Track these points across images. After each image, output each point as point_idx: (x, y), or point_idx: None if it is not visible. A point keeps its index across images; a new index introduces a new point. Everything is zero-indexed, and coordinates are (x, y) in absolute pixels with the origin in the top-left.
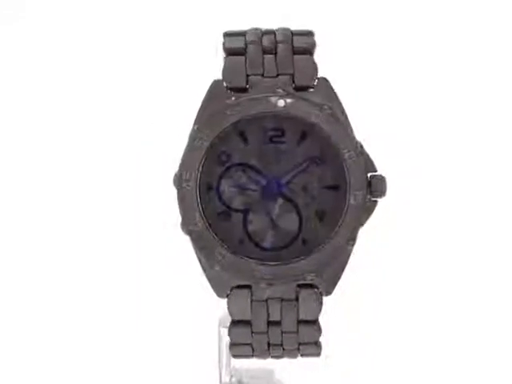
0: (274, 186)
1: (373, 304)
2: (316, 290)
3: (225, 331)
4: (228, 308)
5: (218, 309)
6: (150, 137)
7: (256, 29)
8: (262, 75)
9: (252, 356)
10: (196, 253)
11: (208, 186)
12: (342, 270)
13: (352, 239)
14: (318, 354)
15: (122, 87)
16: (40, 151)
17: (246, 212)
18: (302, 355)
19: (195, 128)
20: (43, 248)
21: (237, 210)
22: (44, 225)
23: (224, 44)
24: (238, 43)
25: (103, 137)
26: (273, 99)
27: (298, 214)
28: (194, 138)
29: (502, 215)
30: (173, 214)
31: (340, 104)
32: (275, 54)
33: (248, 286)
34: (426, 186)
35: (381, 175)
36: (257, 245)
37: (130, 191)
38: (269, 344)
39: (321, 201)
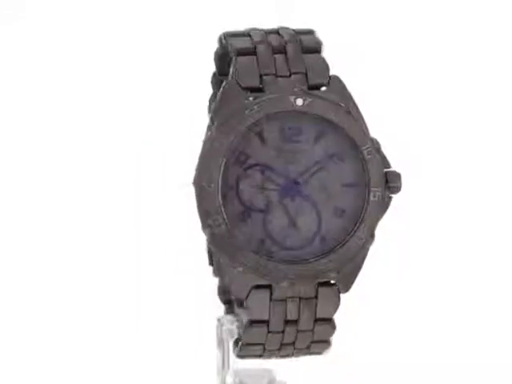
0: (293, 185)
1: (375, 303)
2: (335, 287)
3: (228, 332)
4: (246, 308)
5: (219, 309)
6: (150, 137)
7: (256, 29)
8: (275, 75)
9: (260, 356)
10: (216, 254)
11: (227, 187)
12: (360, 267)
13: (371, 236)
14: (326, 352)
15: (123, 87)
16: (41, 151)
17: (265, 212)
18: (310, 353)
19: (213, 129)
20: (47, 249)
21: (256, 210)
22: (46, 226)
23: (231, 44)
24: (246, 43)
25: (103, 137)
26: (291, 98)
27: (317, 212)
28: (212, 138)
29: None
30: (170, 215)
31: (354, 102)
32: (285, 53)
33: (268, 286)
34: (435, 181)
35: (395, 171)
36: (277, 244)
37: (130, 193)
38: (281, 343)
39: (339, 199)
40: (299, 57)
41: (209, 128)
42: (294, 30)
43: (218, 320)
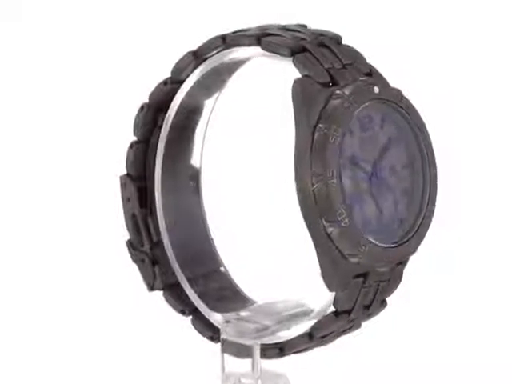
0: (375, 171)
1: None
2: (402, 266)
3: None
4: (337, 300)
5: None
6: None
7: (265, 27)
8: (334, 68)
9: (305, 350)
10: (338, 249)
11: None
12: None
13: (433, 211)
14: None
15: (122, 85)
16: (40, 151)
17: (361, 200)
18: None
19: (321, 125)
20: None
21: (355, 200)
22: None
23: (277, 44)
24: (291, 41)
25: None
26: (370, 87)
27: (393, 196)
28: (326, 135)
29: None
30: None
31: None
32: (326, 47)
33: (363, 274)
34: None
35: None
36: (374, 231)
37: None
38: (338, 332)
39: (403, 180)
40: (340, 48)
41: (312, 125)
42: (300, 24)
43: (228, 322)
